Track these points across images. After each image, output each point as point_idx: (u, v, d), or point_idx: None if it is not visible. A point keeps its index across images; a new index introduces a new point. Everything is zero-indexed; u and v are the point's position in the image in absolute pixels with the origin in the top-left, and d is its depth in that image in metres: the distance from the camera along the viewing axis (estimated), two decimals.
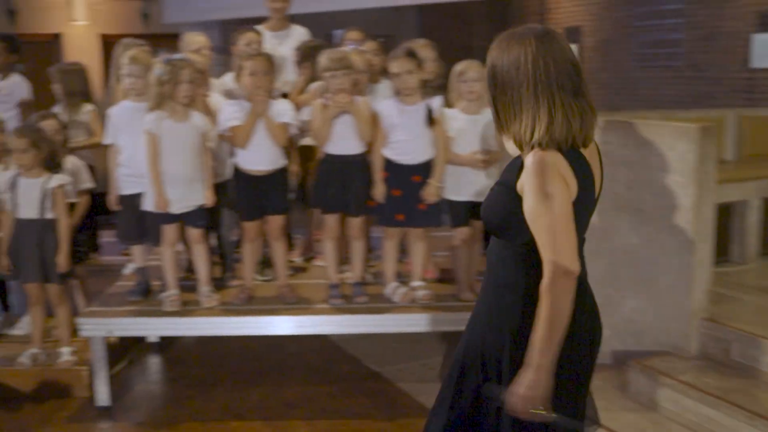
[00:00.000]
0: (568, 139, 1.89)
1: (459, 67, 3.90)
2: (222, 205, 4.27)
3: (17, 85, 5.37)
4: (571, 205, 1.88)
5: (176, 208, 3.97)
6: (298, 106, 4.27)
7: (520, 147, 1.95)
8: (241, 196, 4.13)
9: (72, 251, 4.15)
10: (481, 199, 2.18)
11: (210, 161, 4.05)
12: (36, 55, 9.23)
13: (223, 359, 4.62)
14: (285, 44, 4.90)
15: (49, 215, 3.98)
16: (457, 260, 4.10)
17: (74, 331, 4.10)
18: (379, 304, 4.04)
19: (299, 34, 5.03)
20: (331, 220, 4.09)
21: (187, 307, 4.02)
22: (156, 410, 4.01)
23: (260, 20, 5.09)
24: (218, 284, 4.35)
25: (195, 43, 4.60)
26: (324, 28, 7.02)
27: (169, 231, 4.03)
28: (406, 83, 3.83)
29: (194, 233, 4.09)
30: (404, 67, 3.82)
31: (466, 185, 3.92)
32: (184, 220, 4.05)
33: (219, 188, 4.15)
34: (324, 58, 3.89)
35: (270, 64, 4.00)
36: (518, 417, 1.94)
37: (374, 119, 3.94)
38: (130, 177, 4.13)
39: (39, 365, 4.08)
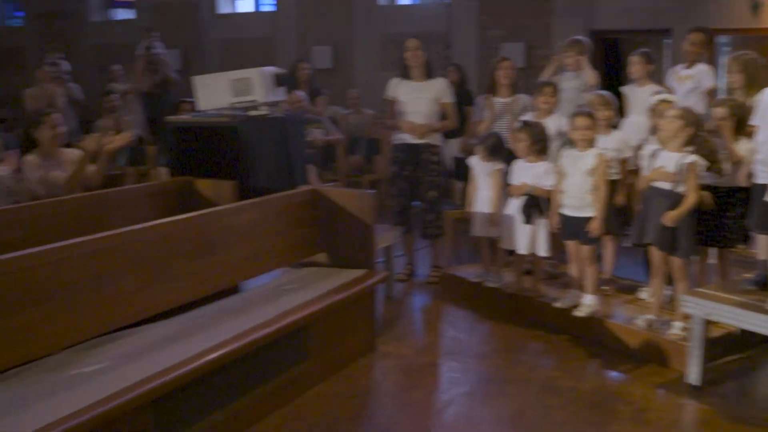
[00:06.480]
0: None
1: None
2: None
3: (704, 74, 5.53)
4: None
5: None
6: None
7: None
8: None
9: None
10: None
11: None
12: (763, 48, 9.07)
13: None
14: None
15: (680, 189, 4.16)
16: None
17: None
18: None
19: None
20: None
21: None
22: (744, 407, 3.82)
23: None
24: None
25: None
26: None
27: None
28: None
29: None
30: None
31: None
32: None
33: None
34: None
35: None
36: None
37: None
38: (762, 165, 3.96)
39: (651, 330, 4.38)
